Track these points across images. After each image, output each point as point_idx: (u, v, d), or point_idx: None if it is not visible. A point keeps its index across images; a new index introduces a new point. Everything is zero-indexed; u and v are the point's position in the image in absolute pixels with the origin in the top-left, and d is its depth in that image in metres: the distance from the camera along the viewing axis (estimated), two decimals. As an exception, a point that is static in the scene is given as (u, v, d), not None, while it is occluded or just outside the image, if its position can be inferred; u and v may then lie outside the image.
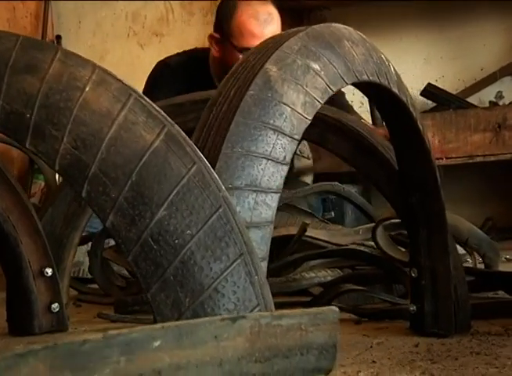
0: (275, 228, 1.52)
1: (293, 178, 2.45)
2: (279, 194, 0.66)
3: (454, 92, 3.02)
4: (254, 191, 0.64)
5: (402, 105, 0.87)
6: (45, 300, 1.13)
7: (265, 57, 0.71)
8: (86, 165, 0.59)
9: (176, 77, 2.17)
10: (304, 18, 3.30)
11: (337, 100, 1.95)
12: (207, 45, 2.27)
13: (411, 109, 0.89)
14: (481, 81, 3.08)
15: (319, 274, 1.36)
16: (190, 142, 0.61)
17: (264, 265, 0.63)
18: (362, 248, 1.39)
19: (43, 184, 3.19)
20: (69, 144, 0.59)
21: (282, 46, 0.72)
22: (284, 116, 0.67)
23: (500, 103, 2.92)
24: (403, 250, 1.26)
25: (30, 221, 1.12)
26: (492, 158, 2.66)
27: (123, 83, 0.61)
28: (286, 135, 0.67)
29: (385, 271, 1.28)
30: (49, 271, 1.12)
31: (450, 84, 3.12)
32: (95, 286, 1.63)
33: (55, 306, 1.13)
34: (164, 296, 0.57)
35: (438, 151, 2.71)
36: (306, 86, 0.70)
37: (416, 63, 3.21)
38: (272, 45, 0.73)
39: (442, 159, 2.72)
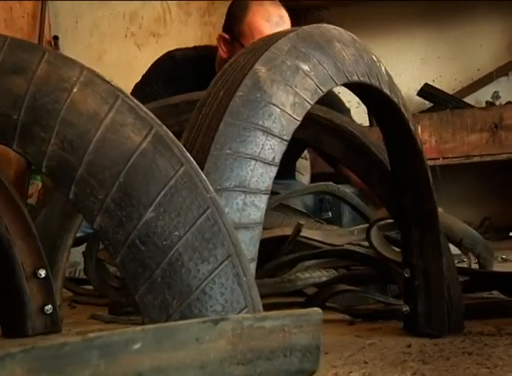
0: (270, 228, 1.53)
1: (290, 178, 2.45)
2: (268, 195, 0.66)
3: (451, 92, 3.03)
4: (243, 192, 0.64)
5: (394, 105, 0.87)
6: (38, 302, 1.13)
7: (254, 58, 0.71)
8: (73, 167, 0.59)
9: (180, 72, 2.12)
10: (302, 18, 3.30)
11: (333, 103, 1.95)
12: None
13: (402, 109, 0.89)
14: (478, 82, 3.09)
15: (313, 275, 1.36)
16: (178, 143, 0.61)
17: (253, 266, 0.63)
18: (357, 249, 1.39)
19: (40, 185, 3.20)
20: (56, 146, 0.59)
21: (271, 47, 0.72)
22: (273, 117, 0.67)
23: (497, 103, 2.93)
24: (398, 250, 1.26)
25: (23, 222, 1.12)
26: (489, 158, 2.67)
27: (111, 84, 0.61)
28: (275, 135, 0.67)
29: (380, 271, 1.28)
30: (42, 272, 1.12)
31: (447, 84, 3.13)
32: (91, 287, 1.63)
33: (48, 308, 1.13)
34: (152, 298, 0.57)
35: (435, 151, 2.72)
36: (295, 87, 0.70)
37: (413, 63, 3.22)
38: (262, 45, 0.73)
39: (439, 159, 2.72)
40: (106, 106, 0.60)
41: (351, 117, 2.09)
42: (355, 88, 0.86)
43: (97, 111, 0.60)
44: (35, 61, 0.61)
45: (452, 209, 2.38)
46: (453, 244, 1.35)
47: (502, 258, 1.93)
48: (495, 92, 2.99)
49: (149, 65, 2.30)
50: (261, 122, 0.66)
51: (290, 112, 0.69)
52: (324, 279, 1.34)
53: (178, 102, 1.23)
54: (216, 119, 0.67)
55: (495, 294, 1.27)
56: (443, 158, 2.71)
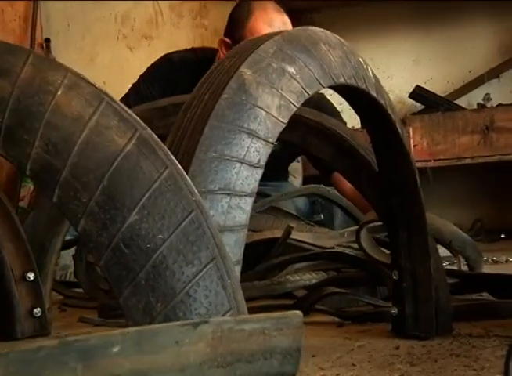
0: (260, 231, 1.53)
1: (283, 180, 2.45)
2: (253, 198, 0.66)
3: (443, 95, 3.04)
4: (228, 195, 0.64)
5: (381, 108, 0.87)
6: (27, 305, 1.12)
7: (239, 60, 0.71)
8: (57, 170, 0.58)
9: (177, 74, 2.11)
10: (294, 20, 3.30)
11: (323, 106, 1.95)
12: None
13: (390, 112, 0.89)
14: (470, 84, 3.09)
15: (303, 277, 1.36)
16: (163, 145, 0.61)
17: (237, 268, 0.63)
18: (347, 251, 1.39)
19: (32, 188, 3.19)
20: (40, 148, 0.59)
21: (257, 49, 0.72)
22: (259, 119, 0.67)
23: (488, 105, 2.93)
24: (387, 252, 1.26)
25: (11, 225, 1.12)
26: (480, 160, 2.68)
27: (95, 87, 0.61)
28: (260, 138, 0.67)
29: (369, 273, 1.28)
30: (31, 276, 1.12)
31: (439, 86, 3.13)
32: (81, 290, 1.63)
33: (37, 311, 1.12)
34: (136, 301, 0.57)
35: (427, 153, 2.72)
36: (281, 89, 0.70)
37: (404, 66, 3.22)
38: (248, 48, 0.73)
39: (431, 161, 2.73)
40: (90, 108, 0.60)
41: (342, 120, 2.08)
42: (342, 90, 0.86)
43: (81, 114, 0.60)
44: (19, 64, 0.60)
45: (444, 211, 2.39)
46: (443, 245, 1.36)
47: (492, 259, 1.94)
48: (486, 94, 3.00)
49: (141, 67, 2.30)
50: (246, 125, 0.66)
51: (275, 114, 0.69)
52: (314, 281, 1.34)
53: (166, 105, 1.23)
54: (201, 122, 0.67)
55: (485, 295, 1.27)
56: (434, 160, 2.72)
